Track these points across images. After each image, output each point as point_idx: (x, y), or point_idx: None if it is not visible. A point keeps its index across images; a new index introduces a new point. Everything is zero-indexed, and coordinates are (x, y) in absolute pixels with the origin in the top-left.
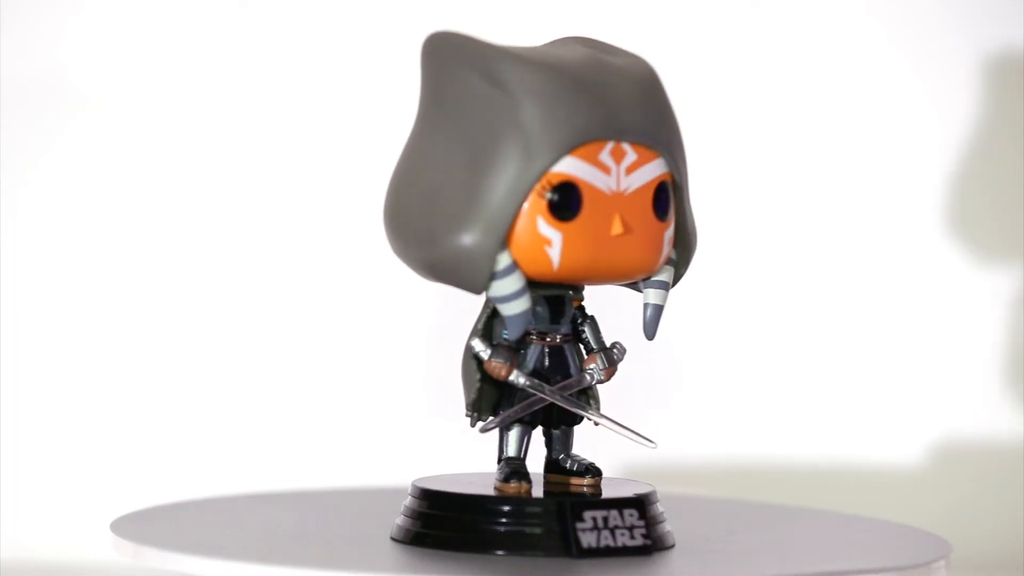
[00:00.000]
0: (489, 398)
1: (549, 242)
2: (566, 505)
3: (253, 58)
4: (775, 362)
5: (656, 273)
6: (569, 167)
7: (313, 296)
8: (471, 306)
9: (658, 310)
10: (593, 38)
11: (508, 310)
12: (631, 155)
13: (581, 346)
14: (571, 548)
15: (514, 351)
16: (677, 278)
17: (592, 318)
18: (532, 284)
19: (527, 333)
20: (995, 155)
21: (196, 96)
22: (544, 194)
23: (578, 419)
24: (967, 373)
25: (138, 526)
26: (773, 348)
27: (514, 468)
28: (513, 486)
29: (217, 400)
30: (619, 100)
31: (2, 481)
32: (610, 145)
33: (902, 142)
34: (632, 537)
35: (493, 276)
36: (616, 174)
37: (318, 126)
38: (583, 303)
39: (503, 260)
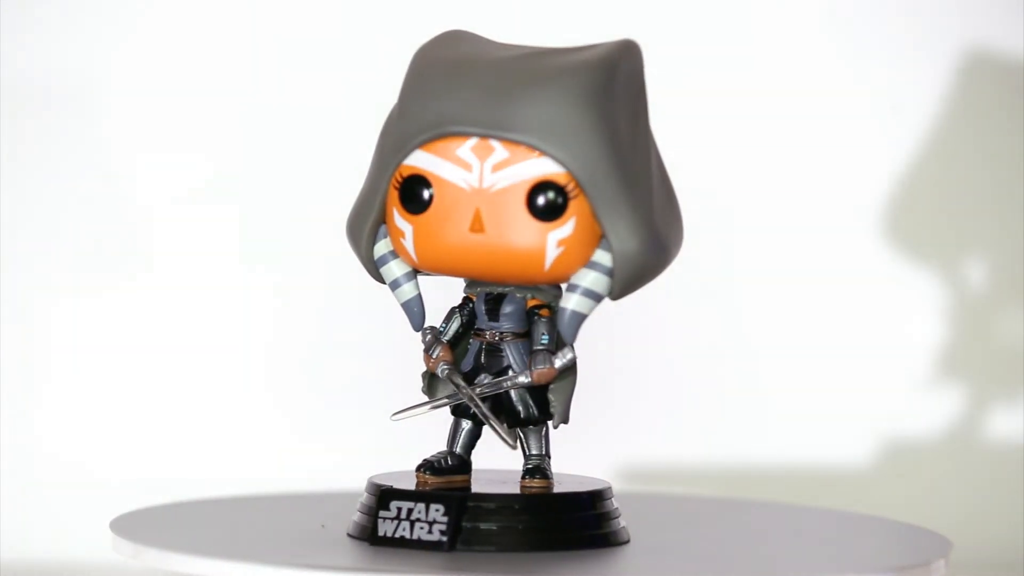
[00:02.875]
0: (441, 388)
1: (403, 234)
2: (379, 493)
3: (253, 59)
4: (761, 362)
5: (576, 277)
6: (420, 161)
7: (308, 300)
8: (442, 306)
9: (573, 316)
10: (624, 40)
11: (396, 299)
12: (500, 152)
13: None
14: (370, 535)
15: (442, 344)
16: (622, 288)
17: (546, 319)
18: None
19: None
20: (958, 157)
21: (195, 96)
22: (396, 186)
23: (532, 419)
24: (959, 372)
25: (138, 526)
26: (755, 348)
27: (427, 460)
28: (418, 476)
29: (217, 401)
30: (497, 97)
31: (2, 481)
32: (472, 141)
33: (862, 150)
34: (430, 532)
35: (376, 265)
36: (479, 170)
37: (313, 128)
38: (545, 303)
39: (380, 249)
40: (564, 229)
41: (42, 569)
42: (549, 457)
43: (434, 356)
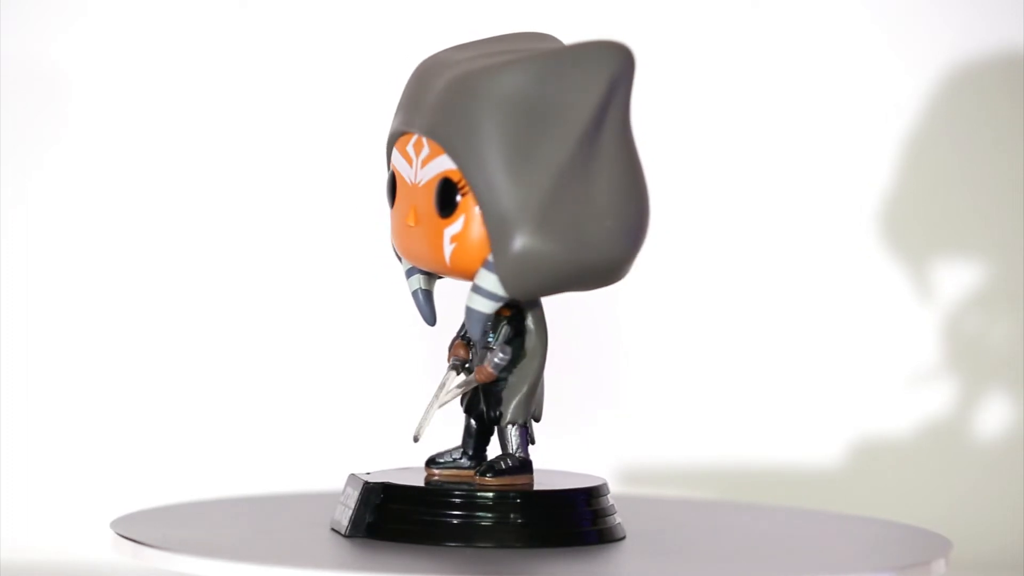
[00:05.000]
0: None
1: (390, 227)
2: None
3: (252, 58)
4: (758, 364)
5: (476, 276)
6: (393, 158)
7: (307, 302)
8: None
9: (474, 315)
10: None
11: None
12: (426, 149)
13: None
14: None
15: (458, 340)
16: (521, 289)
17: (503, 319)
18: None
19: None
20: (947, 159)
21: (195, 96)
22: None
23: (495, 418)
24: (957, 372)
25: (138, 526)
26: (752, 349)
27: (434, 455)
28: (425, 470)
29: (217, 401)
30: (428, 97)
31: (2, 481)
32: (414, 138)
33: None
34: (346, 518)
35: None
36: (415, 166)
37: (314, 125)
38: (511, 309)
39: None
40: (456, 225)
41: (42, 569)
42: (522, 457)
43: (449, 352)
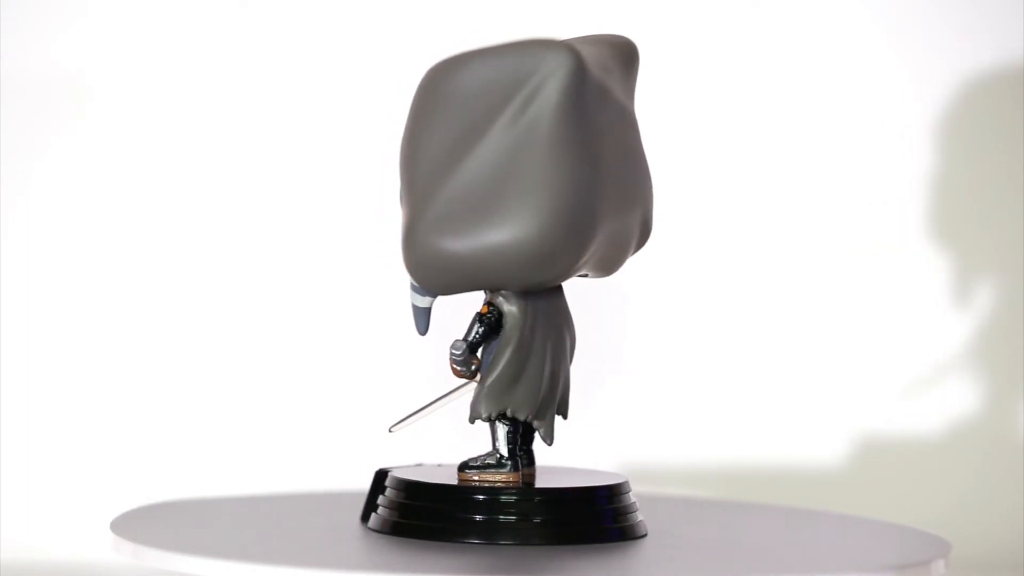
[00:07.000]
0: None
1: None
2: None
3: (253, 57)
4: (759, 366)
5: None
6: None
7: (310, 300)
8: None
9: (413, 310)
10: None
11: None
12: None
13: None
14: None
15: None
16: (420, 282)
17: (477, 317)
18: None
19: None
20: (948, 159)
21: (196, 95)
22: None
23: (472, 416)
24: (956, 374)
25: (138, 526)
26: (753, 351)
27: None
28: None
29: (217, 400)
30: None
31: (2, 481)
32: None
33: (844, 154)
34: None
35: None
36: None
37: (316, 125)
38: (489, 307)
39: None
40: (400, 221)
41: (42, 569)
42: (502, 455)
43: None
